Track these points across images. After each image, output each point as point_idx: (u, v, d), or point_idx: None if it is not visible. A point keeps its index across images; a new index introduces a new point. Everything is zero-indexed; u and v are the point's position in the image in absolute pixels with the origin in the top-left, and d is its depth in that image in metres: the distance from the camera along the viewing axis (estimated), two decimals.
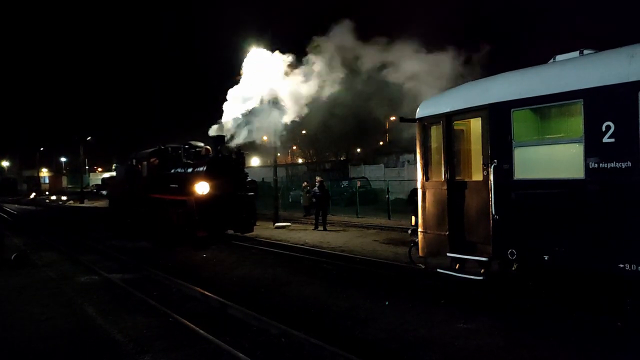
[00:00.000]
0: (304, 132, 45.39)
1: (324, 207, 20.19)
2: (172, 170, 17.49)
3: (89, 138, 63.33)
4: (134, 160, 20.02)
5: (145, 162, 18.96)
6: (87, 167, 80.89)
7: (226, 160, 16.29)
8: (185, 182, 16.09)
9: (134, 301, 9.23)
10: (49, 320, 8.13)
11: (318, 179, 21.16)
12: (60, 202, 55.08)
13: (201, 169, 15.88)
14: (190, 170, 16.44)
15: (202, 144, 18.13)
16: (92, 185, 74.68)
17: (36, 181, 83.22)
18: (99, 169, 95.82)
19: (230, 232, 16.69)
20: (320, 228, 19.82)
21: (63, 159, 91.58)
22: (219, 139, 16.48)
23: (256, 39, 24.57)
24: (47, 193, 70.42)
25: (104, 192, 61.50)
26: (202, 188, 15.28)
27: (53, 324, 7.94)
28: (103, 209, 39.72)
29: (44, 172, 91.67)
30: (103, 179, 71.23)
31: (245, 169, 17.46)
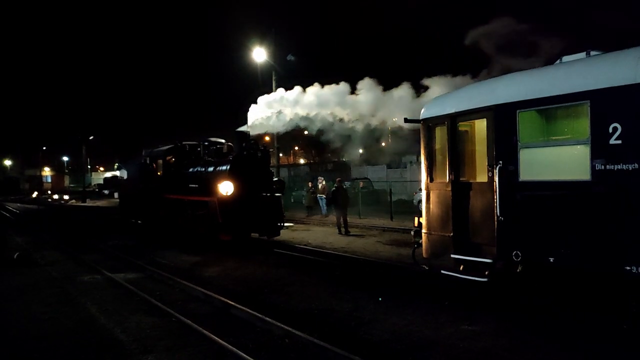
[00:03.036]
0: (306, 132, 45.41)
1: (343, 210, 18.76)
2: (191, 169, 16.54)
3: (91, 137, 63.44)
4: (148, 159, 19.02)
5: (160, 160, 18.02)
6: (89, 167, 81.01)
7: (251, 158, 15.04)
8: (207, 181, 15.12)
9: (137, 301, 9.21)
10: (52, 320, 8.12)
11: (337, 179, 20.30)
12: (63, 202, 55.16)
13: (224, 167, 14.82)
14: (211, 168, 15.44)
15: (223, 141, 17.08)
16: (94, 185, 74.83)
17: (38, 180, 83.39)
18: (101, 168, 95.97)
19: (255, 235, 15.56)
20: (343, 231, 18.48)
21: (65, 158, 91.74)
22: (243, 135, 15.30)
23: (260, 38, 24.65)
24: (49, 192, 70.51)
25: (106, 192, 61.71)
26: (226, 188, 14.17)
27: (56, 323, 7.92)
28: (106, 208, 39.82)
29: (46, 171, 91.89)
30: (105, 179, 71.39)
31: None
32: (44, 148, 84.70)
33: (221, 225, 14.18)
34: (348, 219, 19.00)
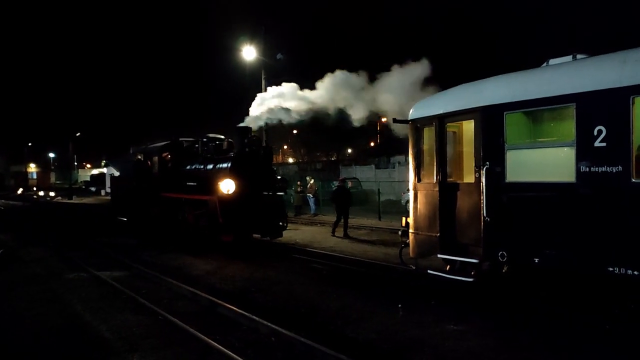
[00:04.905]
0: (295, 131, 45.48)
1: (344, 211, 17.55)
2: (189, 167, 15.93)
3: (78, 134, 62.87)
4: (142, 155, 18.49)
5: (156, 157, 17.40)
6: (75, 163, 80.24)
7: (253, 156, 14.41)
8: (206, 179, 14.55)
9: (123, 299, 9.16)
10: (37, 317, 8.05)
11: (340, 177, 19.17)
12: (48, 198, 54.63)
13: (225, 165, 14.22)
14: (211, 166, 14.83)
15: (222, 137, 16.42)
16: (81, 182, 74.27)
17: (24, 177, 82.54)
18: (88, 165, 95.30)
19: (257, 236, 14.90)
20: (339, 234, 17.33)
21: (51, 155, 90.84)
22: (245, 131, 14.58)
23: (250, 37, 24.59)
24: (34, 189, 69.81)
25: (93, 189, 61.20)
26: (227, 186, 13.57)
27: (41, 321, 7.86)
28: (93, 205, 39.49)
29: (32, 168, 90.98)
30: (92, 176, 70.87)
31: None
32: (30, 144, 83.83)
33: (222, 226, 13.58)
34: (335, 219, 18.56)
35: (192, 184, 15.30)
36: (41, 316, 8.10)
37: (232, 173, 13.83)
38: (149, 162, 17.91)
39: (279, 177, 15.33)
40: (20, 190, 66.03)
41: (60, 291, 9.82)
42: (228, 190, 13.61)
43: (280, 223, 14.67)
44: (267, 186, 14.54)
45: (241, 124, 14.87)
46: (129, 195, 19.70)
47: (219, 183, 13.68)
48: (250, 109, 15.18)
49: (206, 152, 15.91)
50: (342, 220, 17.60)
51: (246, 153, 14.34)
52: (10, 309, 8.59)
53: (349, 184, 29.81)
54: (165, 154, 17.22)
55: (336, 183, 33.38)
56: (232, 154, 14.79)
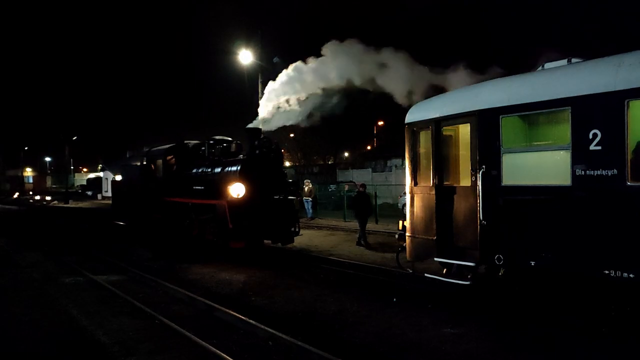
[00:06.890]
0: (292, 135, 45.46)
1: (364, 217, 16.15)
2: (195, 170, 15.48)
3: (74, 138, 62.70)
4: (145, 159, 18.03)
5: (160, 161, 16.95)
6: (72, 167, 79.96)
7: (264, 158, 13.87)
8: (214, 183, 14.07)
9: (120, 303, 9.13)
10: (33, 322, 8.02)
11: (359, 183, 18.41)
12: (44, 202, 54.42)
13: (234, 168, 13.68)
14: (219, 169, 14.33)
15: (230, 139, 15.94)
16: (77, 186, 74.09)
17: (20, 181, 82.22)
18: (84, 169, 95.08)
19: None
20: (363, 242, 15.91)
21: (48, 159, 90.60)
22: (256, 133, 14.04)
23: (246, 41, 24.61)
24: (30, 193, 69.53)
25: (89, 193, 61.04)
26: (237, 190, 13.04)
27: (37, 326, 7.83)
28: (90, 210, 39.40)
29: (28, 172, 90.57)
30: (88, 179, 70.71)
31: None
32: (26, 148, 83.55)
33: (232, 231, 12.96)
34: (332, 223, 18.39)
35: (199, 187, 14.88)
36: (37, 321, 8.06)
37: (242, 176, 13.35)
38: (153, 166, 17.52)
39: (290, 181, 14.89)
40: (16, 195, 65.72)
41: (56, 296, 9.78)
42: (238, 195, 13.09)
43: (292, 228, 14.21)
44: (278, 190, 14.03)
45: (250, 125, 14.42)
46: (131, 200, 19.41)
47: (229, 187, 13.16)
48: (260, 107, 14.74)
49: (213, 155, 15.40)
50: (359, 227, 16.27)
51: (256, 155, 13.83)
52: (5, 314, 8.54)
53: (346, 187, 29.88)
54: (169, 157, 16.74)
55: (333, 187, 33.58)
56: (241, 157, 14.38)
